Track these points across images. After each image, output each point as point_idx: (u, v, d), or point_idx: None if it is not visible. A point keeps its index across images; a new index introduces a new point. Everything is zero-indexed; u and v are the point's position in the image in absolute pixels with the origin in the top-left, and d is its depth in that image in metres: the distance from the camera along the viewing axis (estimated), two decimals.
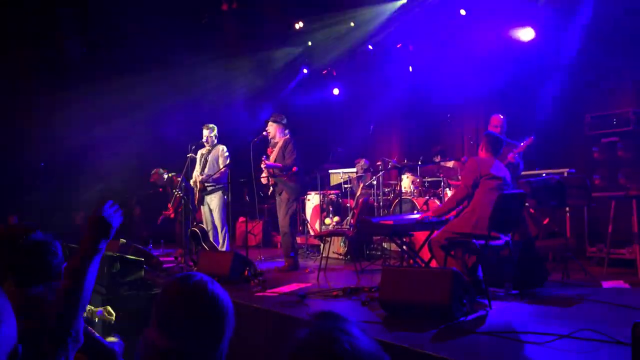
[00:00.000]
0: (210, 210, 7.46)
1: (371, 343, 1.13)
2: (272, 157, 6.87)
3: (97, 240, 1.86)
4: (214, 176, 7.30)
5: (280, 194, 6.85)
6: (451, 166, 8.04)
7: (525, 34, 7.90)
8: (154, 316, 1.50)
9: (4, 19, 9.56)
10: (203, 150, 7.60)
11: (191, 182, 7.59)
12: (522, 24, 7.97)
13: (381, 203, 8.20)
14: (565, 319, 3.84)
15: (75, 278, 1.79)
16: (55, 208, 9.99)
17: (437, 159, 8.17)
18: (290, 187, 6.76)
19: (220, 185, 7.35)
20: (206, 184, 7.36)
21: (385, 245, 7.74)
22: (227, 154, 7.46)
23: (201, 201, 7.50)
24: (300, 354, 1.10)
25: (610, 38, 7.04)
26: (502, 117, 6.57)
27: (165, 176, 9.31)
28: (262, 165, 6.78)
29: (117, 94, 10.24)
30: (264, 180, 6.92)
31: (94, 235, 1.87)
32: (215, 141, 7.55)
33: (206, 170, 7.39)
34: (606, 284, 5.16)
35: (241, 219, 9.91)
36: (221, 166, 7.33)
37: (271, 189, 7.01)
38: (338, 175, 9.40)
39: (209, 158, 7.43)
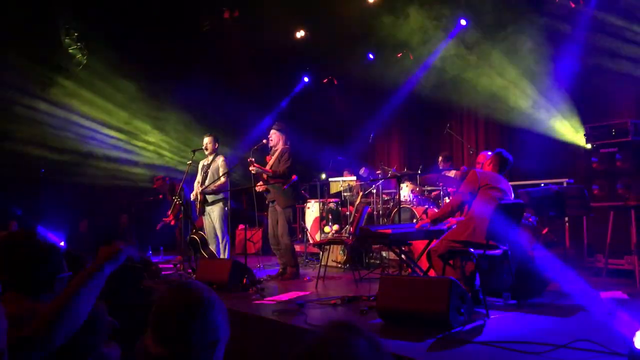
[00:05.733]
0: (212, 221, 7.46)
1: (382, 349, 1.14)
2: (270, 164, 6.87)
3: (103, 262, 1.92)
4: (213, 187, 7.28)
5: (272, 202, 6.85)
6: (452, 175, 8.05)
7: None
8: (150, 324, 1.51)
9: None
10: (204, 161, 7.61)
11: (192, 194, 7.56)
12: None
13: (380, 212, 8.20)
14: (562, 329, 3.84)
15: (70, 288, 1.81)
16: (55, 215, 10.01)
17: (441, 165, 8.24)
18: (285, 195, 6.76)
19: (220, 197, 7.35)
20: (207, 195, 7.35)
21: (384, 254, 7.74)
22: (226, 164, 7.45)
23: (202, 212, 7.50)
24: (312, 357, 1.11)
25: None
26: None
27: (167, 182, 9.37)
28: (250, 167, 6.74)
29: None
30: (258, 189, 6.91)
31: (103, 257, 1.93)
32: (216, 150, 7.55)
33: (207, 181, 7.37)
34: (604, 295, 5.15)
35: (240, 226, 9.90)
36: (221, 176, 7.33)
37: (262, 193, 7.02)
38: (338, 184, 9.40)
39: (210, 169, 7.43)
